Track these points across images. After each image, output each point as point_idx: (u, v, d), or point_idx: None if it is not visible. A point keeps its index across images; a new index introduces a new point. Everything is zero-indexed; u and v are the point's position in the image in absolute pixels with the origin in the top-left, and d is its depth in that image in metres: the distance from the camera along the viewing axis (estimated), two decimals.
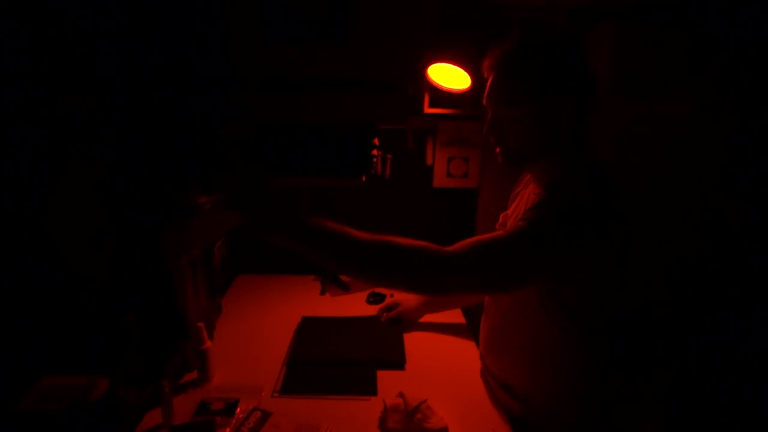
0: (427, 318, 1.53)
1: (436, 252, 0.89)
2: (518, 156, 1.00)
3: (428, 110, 1.70)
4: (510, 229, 0.91)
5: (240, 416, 1.06)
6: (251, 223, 0.92)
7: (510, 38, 0.96)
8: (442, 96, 1.57)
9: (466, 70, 1.41)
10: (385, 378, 1.23)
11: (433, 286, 0.93)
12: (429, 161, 1.84)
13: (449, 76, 1.47)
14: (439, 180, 1.86)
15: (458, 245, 0.91)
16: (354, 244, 0.89)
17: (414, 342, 1.41)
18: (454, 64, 1.41)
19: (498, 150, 1.01)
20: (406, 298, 1.56)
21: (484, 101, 1.00)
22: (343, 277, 1.82)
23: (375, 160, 1.25)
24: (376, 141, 1.24)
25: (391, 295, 1.67)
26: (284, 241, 0.90)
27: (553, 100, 0.93)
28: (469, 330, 1.50)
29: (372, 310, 1.60)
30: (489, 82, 0.99)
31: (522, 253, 0.89)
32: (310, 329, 1.49)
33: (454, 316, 1.58)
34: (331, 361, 1.30)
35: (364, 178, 1.19)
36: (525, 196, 1.12)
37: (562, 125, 0.95)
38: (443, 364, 1.32)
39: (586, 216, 0.89)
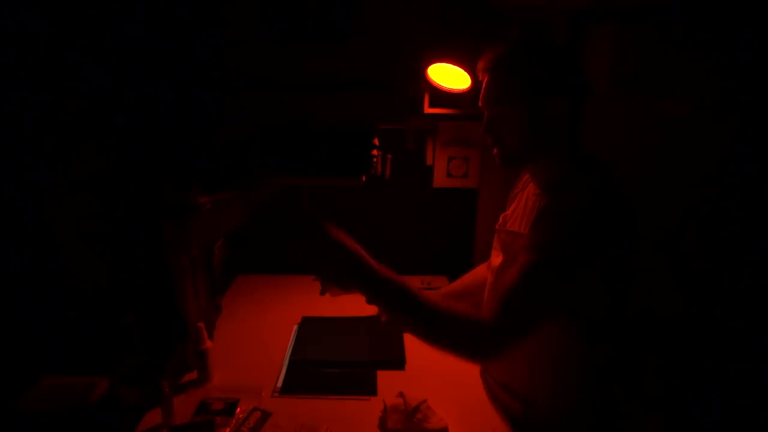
0: None
1: (477, 327, 0.89)
2: (515, 157, 1.01)
3: (428, 110, 1.70)
4: (523, 267, 0.89)
5: (240, 416, 1.06)
6: (327, 273, 1.00)
7: (501, 40, 0.98)
8: (442, 96, 1.57)
9: (466, 70, 1.41)
10: (385, 378, 1.23)
11: (482, 359, 1.04)
12: (429, 161, 1.84)
13: (449, 76, 1.47)
14: (439, 180, 1.86)
15: (491, 310, 0.89)
16: (419, 310, 0.92)
17: (414, 342, 1.40)
18: (454, 64, 1.41)
19: (495, 151, 1.02)
20: None
21: (480, 103, 1.01)
22: None
23: (375, 160, 1.25)
24: (376, 141, 1.23)
25: None
26: (357, 290, 0.98)
27: (544, 100, 0.94)
28: None
29: (372, 310, 1.60)
30: (484, 84, 1.00)
31: (548, 292, 0.89)
32: (310, 329, 1.49)
33: None
34: (331, 361, 1.30)
35: (364, 178, 1.19)
36: (524, 197, 1.12)
37: (556, 125, 0.96)
38: (443, 364, 1.31)
39: (595, 230, 0.89)
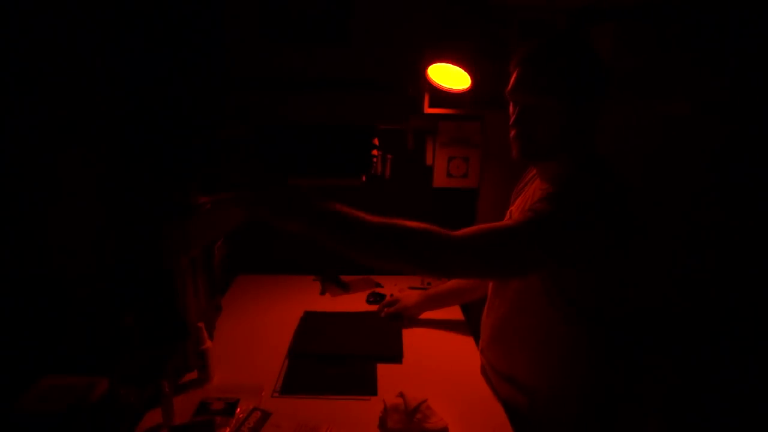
0: (427, 315, 1.54)
1: (444, 236, 0.92)
2: (538, 150, 0.99)
3: (428, 110, 1.70)
4: (517, 219, 0.93)
5: (240, 416, 1.06)
6: (270, 212, 0.91)
7: (542, 35, 0.98)
8: (442, 96, 1.57)
9: (466, 70, 1.41)
10: (385, 377, 1.23)
11: (440, 267, 0.95)
12: (429, 161, 1.84)
13: (449, 76, 1.47)
14: (439, 180, 1.86)
15: (466, 230, 0.92)
16: (368, 227, 0.92)
17: (414, 338, 1.41)
18: (454, 64, 1.41)
19: (517, 143, 1.01)
20: (406, 295, 1.56)
21: (512, 92, 0.99)
22: (343, 278, 1.82)
23: (375, 160, 1.25)
24: (376, 141, 1.23)
25: (391, 295, 1.67)
26: (302, 228, 0.91)
27: (584, 96, 0.95)
28: (468, 327, 1.50)
29: (372, 306, 1.62)
30: (518, 73, 0.98)
31: (527, 240, 0.90)
32: (311, 323, 1.50)
33: (453, 313, 1.58)
34: (330, 354, 1.31)
35: (364, 178, 1.19)
36: (530, 192, 1.12)
37: (586, 123, 0.97)
38: (443, 361, 1.33)
39: (592, 209, 0.90)
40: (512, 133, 1.01)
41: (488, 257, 0.92)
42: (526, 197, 1.13)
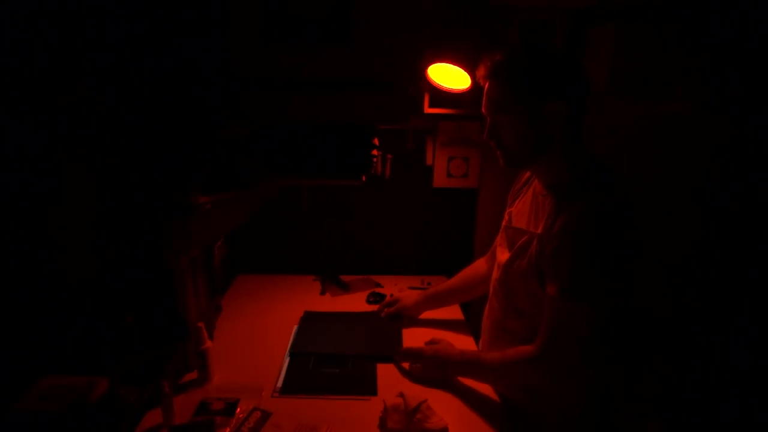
0: (427, 314, 1.54)
1: (531, 366, 1.01)
2: (517, 158, 1.03)
3: (428, 110, 1.70)
4: (557, 296, 0.95)
5: (240, 416, 1.06)
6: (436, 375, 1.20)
7: (499, 47, 1.00)
8: (442, 96, 1.57)
9: (466, 70, 1.41)
10: (385, 378, 1.23)
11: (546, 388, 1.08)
12: (429, 161, 1.84)
13: (449, 76, 1.47)
14: (439, 180, 1.86)
15: (539, 345, 0.99)
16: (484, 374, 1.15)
17: (414, 338, 1.41)
18: (454, 64, 1.41)
19: (498, 153, 1.04)
20: (406, 295, 1.57)
21: (483, 109, 1.03)
22: (343, 278, 1.83)
23: (375, 160, 1.25)
24: (376, 141, 1.23)
25: (391, 295, 1.67)
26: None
27: (543, 105, 0.95)
28: (468, 327, 1.50)
29: (371, 306, 1.62)
30: (485, 90, 1.02)
31: (586, 319, 0.95)
32: (311, 323, 1.50)
33: (453, 312, 1.58)
34: (330, 354, 1.31)
35: (364, 178, 1.19)
36: (530, 195, 1.12)
37: (556, 128, 0.97)
38: None
39: (611, 243, 0.93)
40: (491, 144, 1.04)
41: (569, 359, 0.98)
42: (525, 201, 1.13)
